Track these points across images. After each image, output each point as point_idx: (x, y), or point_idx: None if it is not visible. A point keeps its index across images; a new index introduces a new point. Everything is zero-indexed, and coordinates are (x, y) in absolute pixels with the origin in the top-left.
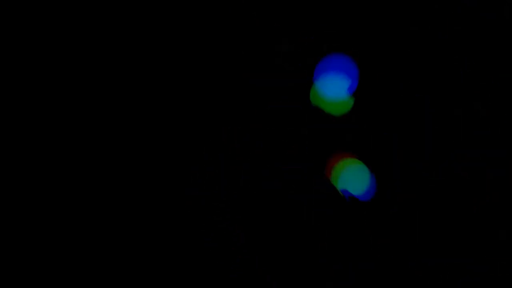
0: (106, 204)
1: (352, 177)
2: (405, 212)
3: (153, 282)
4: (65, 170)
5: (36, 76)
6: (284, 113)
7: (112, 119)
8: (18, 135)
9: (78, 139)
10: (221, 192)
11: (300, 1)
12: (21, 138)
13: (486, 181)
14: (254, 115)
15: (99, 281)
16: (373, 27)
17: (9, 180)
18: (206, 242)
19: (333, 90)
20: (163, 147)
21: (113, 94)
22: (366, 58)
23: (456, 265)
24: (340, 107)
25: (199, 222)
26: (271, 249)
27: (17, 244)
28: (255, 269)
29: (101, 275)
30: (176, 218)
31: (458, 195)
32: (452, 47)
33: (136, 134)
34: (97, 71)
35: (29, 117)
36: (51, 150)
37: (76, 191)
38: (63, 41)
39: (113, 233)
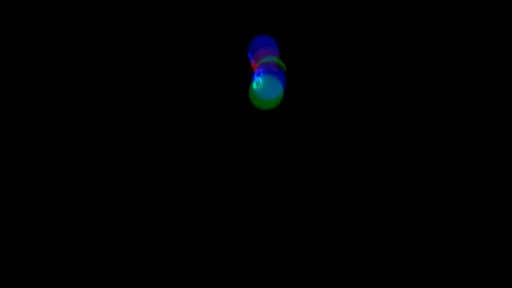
0: (105, 204)
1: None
2: (405, 212)
3: (153, 282)
4: (67, 170)
5: (36, 76)
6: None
7: (112, 119)
8: (18, 135)
9: (79, 139)
10: (221, 192)
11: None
12: (21, 138)
13: (486, 181)
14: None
15: (99, 281)
16: (374, 27)
17: (9, 180)
18: (206, 242)
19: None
20: (163, 147)
21: (113, 95)
22: (366, 58)
23: (456, 265)
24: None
25: (199, 222)
26: (270, 249)
27: (17, 244)
28: (254, 268)
29: (101, 275)
30: (176, 218)
31: (458, 195)
32: (452, 47)
33: (136, 134)
34: (100, 73)
35: (29, 117)
36: (51, 150)
37: (76, 191)
38: (63, 41)
39: (112, 233)
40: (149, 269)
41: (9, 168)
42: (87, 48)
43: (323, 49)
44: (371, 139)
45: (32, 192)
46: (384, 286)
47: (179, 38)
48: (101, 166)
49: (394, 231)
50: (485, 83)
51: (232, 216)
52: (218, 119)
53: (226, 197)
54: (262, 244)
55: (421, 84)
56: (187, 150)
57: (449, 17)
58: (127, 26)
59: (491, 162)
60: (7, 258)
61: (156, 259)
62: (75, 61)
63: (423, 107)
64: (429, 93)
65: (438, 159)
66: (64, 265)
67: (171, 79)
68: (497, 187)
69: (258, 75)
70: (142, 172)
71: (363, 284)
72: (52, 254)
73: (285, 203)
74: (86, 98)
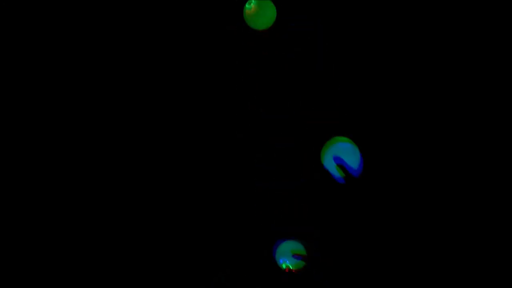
0: (105, 204)
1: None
2: (405, 212)
3: (153, 282)
4: (67, 170)
5: (36, 76)
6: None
7: (112, 119)
8: (18, 135)
9: (79, 139)
10: (221, 192)
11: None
12: (21, 138)
13: (486, 181)
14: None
15: (99, 281)
16: (374, 27)
17: (9, 180)
18: (206, 242)
19: None
20: (163, 147)
21: (113, 95)
22: (367, 58)
23: (456, 265)
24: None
25: (199, 222)
26: (270, 249)
27: (17, 244)
28: (254, 268)
29: (101, 275)
30: (176, 218)
31: (458, 195)
32: (452, 47)
33: (136, 134)
34: (100, 73)
35: (29, 117)
36: (51, 150)
37: (76, 191)
38: (63, 41)
39: (112, 233)
40: (149, 269)
41: (9, 168)
42: (87, 48)
43: (322, 48)
44: (371, 139)
45: (32, 192)
46: (384, 286)
47: (179, 38)
48: (102, 166)
49: (395, 231)
50: (486, 83)
51: (232, 216)
52: (218, 119)
53: (226, 197)
54: (262, 244)
55: (419, 84)
56: (187, 150)
57: (450, 17)
58: (126, 26)
59: (492, 163)
60: (7, 258)
61: (156, 259)
62: (75, 61)
63: (422, 106)
64: (429, 92)
65: (439, 158)
66: (64, 265)
67: (171, 79)
68: (498, 188)
69: None
70: (142, 172)
71: (363, 284)
72: (52, 254)
73: (285, 203)
74: (86, 98)
